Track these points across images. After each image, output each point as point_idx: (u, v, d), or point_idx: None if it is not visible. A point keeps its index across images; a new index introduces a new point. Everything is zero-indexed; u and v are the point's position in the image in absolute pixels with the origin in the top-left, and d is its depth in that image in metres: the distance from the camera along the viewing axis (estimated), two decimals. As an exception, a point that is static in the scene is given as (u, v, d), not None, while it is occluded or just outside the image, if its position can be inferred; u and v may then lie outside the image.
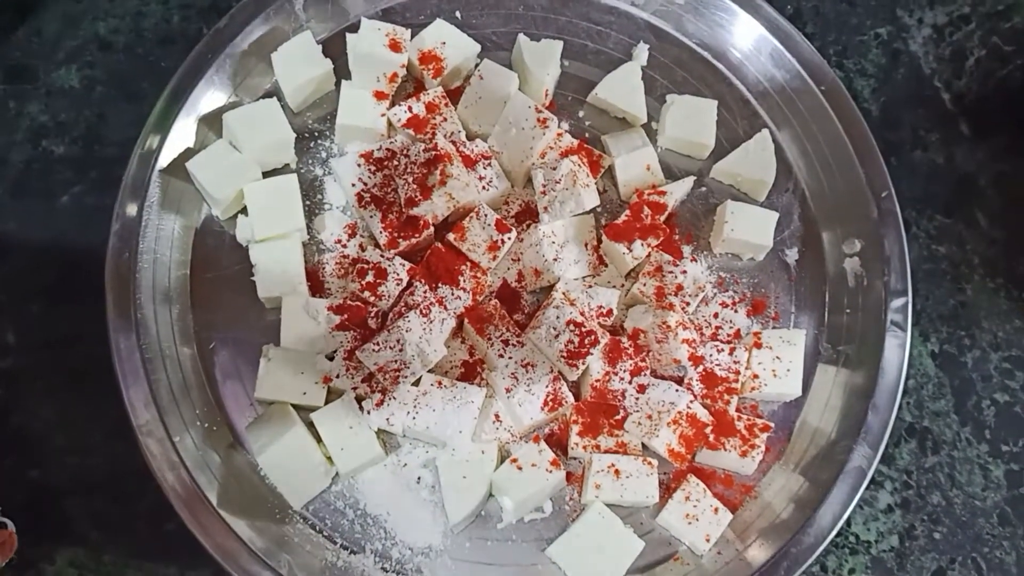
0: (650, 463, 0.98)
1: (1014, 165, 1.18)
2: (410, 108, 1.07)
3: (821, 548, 0.96)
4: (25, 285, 1.05)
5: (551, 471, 0.96)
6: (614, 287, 1.06)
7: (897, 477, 1.07)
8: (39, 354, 1.03)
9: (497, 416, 0.99)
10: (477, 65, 1.11)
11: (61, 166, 1.09)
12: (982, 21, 1.25)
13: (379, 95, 1.07)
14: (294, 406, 0.98)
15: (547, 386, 0.98)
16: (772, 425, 1.01)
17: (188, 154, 1.03)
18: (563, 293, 1.02)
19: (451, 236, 1.02)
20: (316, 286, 1.03)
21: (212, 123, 1.06)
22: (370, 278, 1.00)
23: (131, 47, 1.14)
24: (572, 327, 0.98)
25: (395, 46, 1.06)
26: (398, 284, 1.00)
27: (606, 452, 0.99)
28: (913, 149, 1.19)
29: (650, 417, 0.99)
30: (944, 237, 1.15)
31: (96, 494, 0.99)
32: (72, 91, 1.12)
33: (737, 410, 1.02)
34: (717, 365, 1.02)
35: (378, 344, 0.95)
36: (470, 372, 1.01)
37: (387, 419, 0.96)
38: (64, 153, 1.10)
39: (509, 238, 1.02)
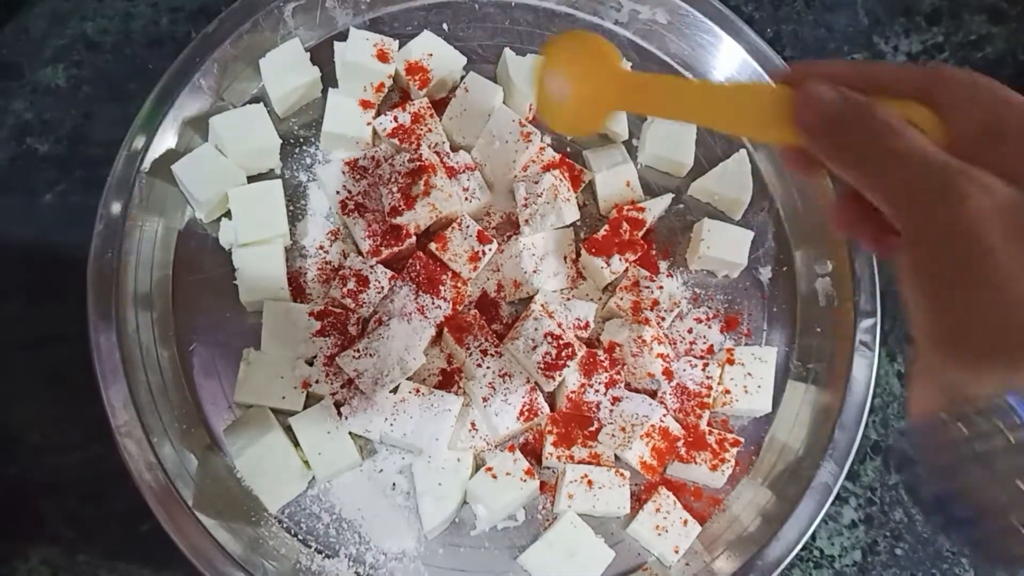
0: (622, 475, 1.00)
1: (982, 192, 1.21)
2: (395, 118, 1.08)
3: (787, 562, 0.98)
4: (6, 283, 1.05)
5: (525, 480, 0.98)
6: (592, 300, 1.07)
7: (861, 494, 1.09)
8: (19, 352, 1.03)
9: (473, 425, 1.01)
10: (463, 77, 1.12)
11: (45, 164, 1.09)
12: (955, 50, 1.28)
13: (365, 104, 1.08)
14: (272, 410, 0.99)
15: (523, 396, 1.00)
16: (742, 440, 1.03)
17: (173, 156, 1.03)
18: (542, 305, 1.03)
19: (433, 246, 1.03)
20: (298, 291, 1.04)
21: (198, 126, 1.06)
22: (352, 285, 1.01)
23: (119, 48, 1.15)
24: (550, 339, 0.99)
25: (383, 56, 1.07)
26: (379, 292, 1.01)
27: (579, 463, 1.01)
28: (886, 173, 1.21)
29: (623, 429, 1.00)
30: (913, 260, 1.18)
31: (72, 493, 0.99)
32: (58, 90, 1.12)
33: (708, 424, 1.04)
34: (690, 380, 1.04)
35: (358, 351, 0.97)
36: (448, 380, 1.03)
37: (365, 425, 0.97)
38: (49, 151, 1.10)
39: (490, 249, 1.04)
